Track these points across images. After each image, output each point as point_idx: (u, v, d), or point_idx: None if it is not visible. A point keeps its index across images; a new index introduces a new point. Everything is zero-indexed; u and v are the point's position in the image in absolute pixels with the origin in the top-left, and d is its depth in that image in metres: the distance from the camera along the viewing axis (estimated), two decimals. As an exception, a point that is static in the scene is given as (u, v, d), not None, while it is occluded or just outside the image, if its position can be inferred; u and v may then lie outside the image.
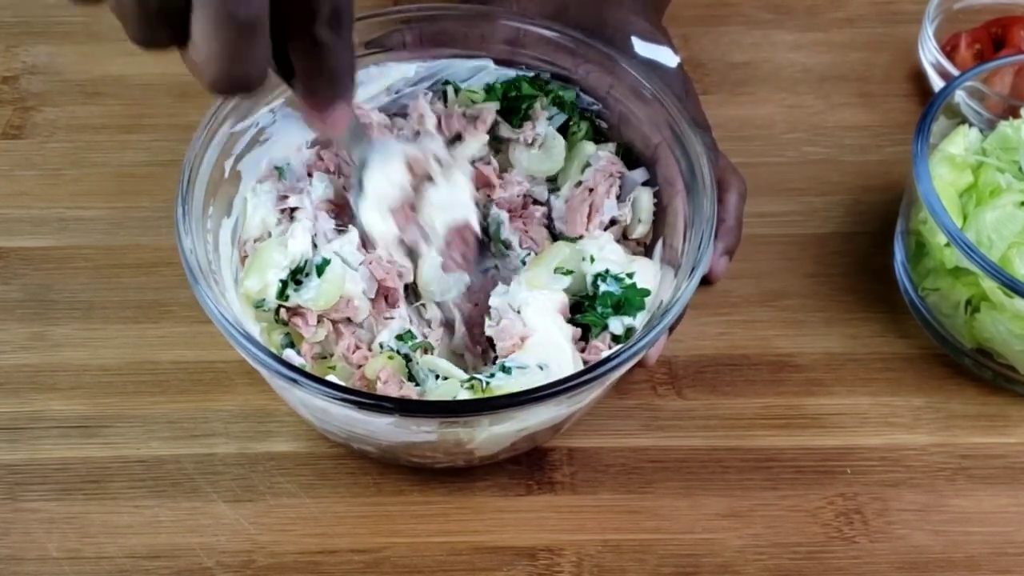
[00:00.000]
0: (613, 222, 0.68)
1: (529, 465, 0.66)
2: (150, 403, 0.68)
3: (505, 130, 0.70)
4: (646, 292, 0.63)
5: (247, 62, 0.48)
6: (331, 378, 0.58)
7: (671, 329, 0.65)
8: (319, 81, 0.54)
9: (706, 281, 0.73)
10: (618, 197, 0.68)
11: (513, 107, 0.70)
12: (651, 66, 0.69)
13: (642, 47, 0.70)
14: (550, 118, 0.70)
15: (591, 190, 0.68)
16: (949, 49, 0.84)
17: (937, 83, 0.83)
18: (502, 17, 0.70)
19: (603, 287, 0.63)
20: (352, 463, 0.65)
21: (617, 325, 0.63)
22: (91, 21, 0.88)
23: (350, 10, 0.53)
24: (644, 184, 0.68)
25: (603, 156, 0.69)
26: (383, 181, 0.63)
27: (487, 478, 0.65)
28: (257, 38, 0.48)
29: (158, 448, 0.66)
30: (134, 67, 0.85)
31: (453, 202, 0.65)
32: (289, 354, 0.62)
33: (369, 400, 0.55)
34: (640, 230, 0.67)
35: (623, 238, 0.68)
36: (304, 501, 0.64)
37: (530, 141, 0.70)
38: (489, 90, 0.71)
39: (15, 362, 0.69)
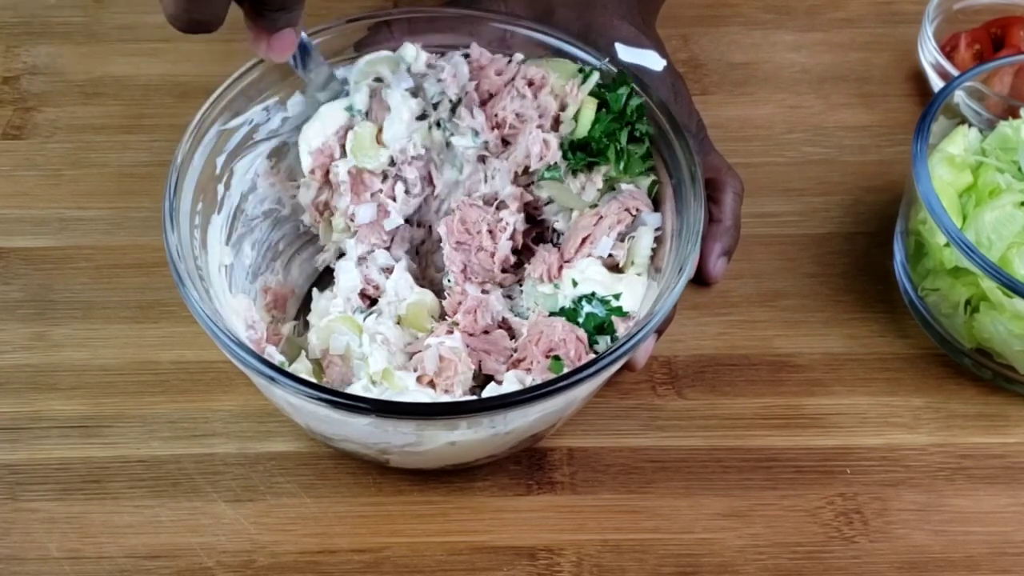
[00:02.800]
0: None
1: (529, 465, 0.66)
2: (150, 403, 0.68)
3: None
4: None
5: (202, 3, 0.52)
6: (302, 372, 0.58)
7: (660, 331, 0.65)
8: (263, 20, 0.57)
9: (705, 283, 0.73)
10: (621, 237, 0.65)
11: (583, 145, 0.67)
12: (636, 71, 0.69)
13: (626, 52, 0.70)
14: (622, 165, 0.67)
15: (600, 218, 0.66)
16: (949, 49, 0.84)
17: (937, 83, 0.83)
18: (489, 19, 0.70)
19: (587, 308, 0.63)
20: (352, 463, 0.65)
21: (603, 343, 0.62)
22: (91, 21, 0.88)
23: None
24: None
25: (627, 190, 0.66)
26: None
27: (487, 478, 0.65)
28: None
29: (158, 448, 0.66)
30: (134, 67, 0.85)
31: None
32: (271, 351, 0.62)
33: (345, 400, 0.55)
34: (633, 271, 0.65)
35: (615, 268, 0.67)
36: (304, 501, 0.64)
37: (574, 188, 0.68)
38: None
39: (15, 362, 0.70)
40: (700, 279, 0.73)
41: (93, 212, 0.77)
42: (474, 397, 0.60)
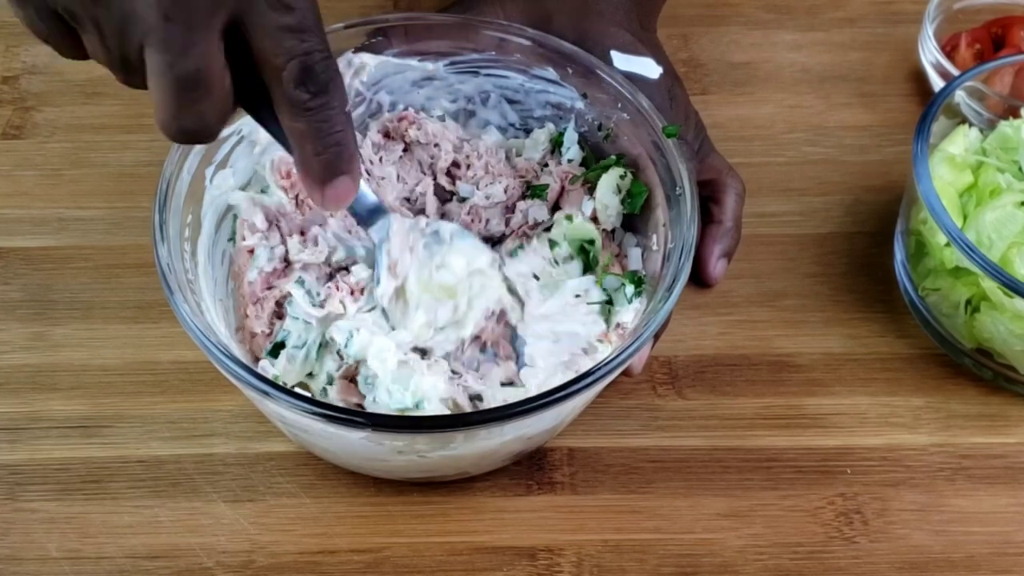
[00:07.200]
0: None
1: (529, 465, 0.66)
2: (150, 403, 0.68)
3: None
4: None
5: (192, 116, 0.49)
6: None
7: (657, 335, 0.65)
8: (309, 149, 0.52)
9: (705, 284, 0.73)
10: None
11: None
12: (632, 78, 0.69)
13: (622, 60, 0.70)
14: None
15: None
16: (949, 49, 0.84)
17: (937, 83, 0.83)
18: (485, 27, 0.70)
19: None
20: (352, 463, 0.66)
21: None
22: (91, 21, 0.88)
23: (328, 69, 0.50)
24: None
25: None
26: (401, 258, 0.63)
27: (487, 478, 0.65)
28: (202, 93, 0.48)
29: (158, 448, 0.66)
30: (134, 67, 0.85)
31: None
32: (264, 365, 0.62)
33: (339, 414, 0.55)
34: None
35: None
36: (304, 501, 0.64)
37: None
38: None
39: (15, 362, 0.70)
40: (701, 280, 0.73)
41: (93, 212, 0.77)
42: (469, 411, 0.60)
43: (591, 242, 0.67)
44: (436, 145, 0.70)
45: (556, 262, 0.67)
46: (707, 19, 0.90)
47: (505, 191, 0.69)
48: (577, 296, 0.65)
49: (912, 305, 0.72)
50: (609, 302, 0.65)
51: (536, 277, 0.66)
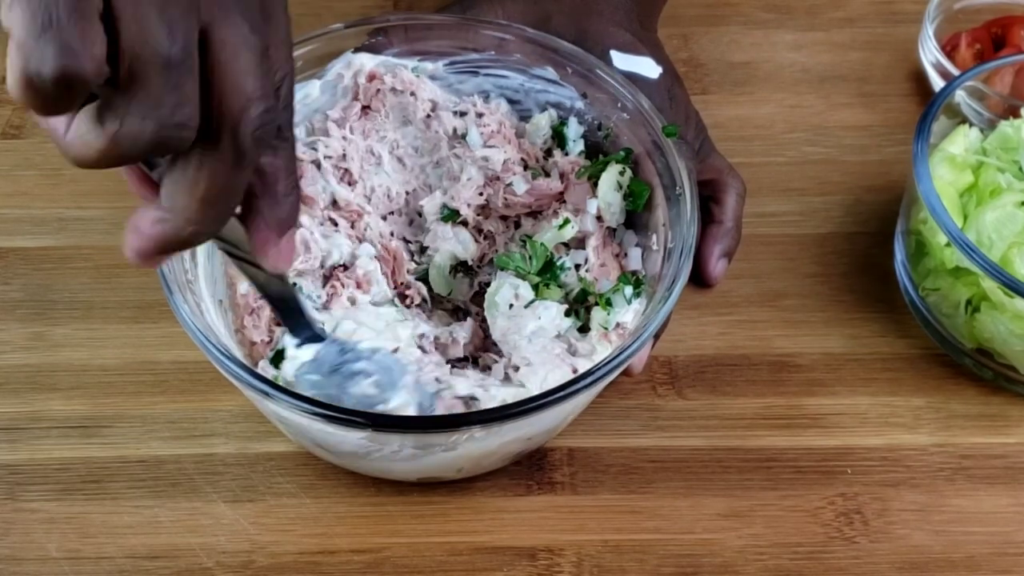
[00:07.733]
0: None
1: (529, 465, 0.66)
2: (150, 403, 0.68)
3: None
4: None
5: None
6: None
7: (657, 335, 0.65)
8: (280, 188, 0.48)
9: (705, 284, 0.73)
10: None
11: None
12: (632, 78, 0.69)
13: (621, 60, 0.70)
14: None
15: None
16: (949, 49, 0.84)
17: (937, 83, 0.83)
18: (485, 27, 0.70)
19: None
20: (352, 463, 0.65)
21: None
22: (91, 21, 0.88)
23: (288, 123, 0.47)
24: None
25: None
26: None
27: (487, 478, 0.65)
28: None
29: (158, 448, 0.66)
30: (134, 67, 0.85)
31: None
32: (264, 365, 0.62)
33: (340, 415, 0.55)
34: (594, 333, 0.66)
35: None
36: (304, 501, 0.64)
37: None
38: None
39: (15, 362, 0.69)
40: (701, 280, 0.73)
41: (93, 212, 0.77)
42: (471, 410, 0.60)
43: (566, 245, 0.67)
44: (412, 94, 0.70)
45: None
46: (707, 19, 0.90)
47: (503, 163, 0.69)
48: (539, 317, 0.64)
49: (912, 305, 0.72)
50: (588, 307, 0.65)
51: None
